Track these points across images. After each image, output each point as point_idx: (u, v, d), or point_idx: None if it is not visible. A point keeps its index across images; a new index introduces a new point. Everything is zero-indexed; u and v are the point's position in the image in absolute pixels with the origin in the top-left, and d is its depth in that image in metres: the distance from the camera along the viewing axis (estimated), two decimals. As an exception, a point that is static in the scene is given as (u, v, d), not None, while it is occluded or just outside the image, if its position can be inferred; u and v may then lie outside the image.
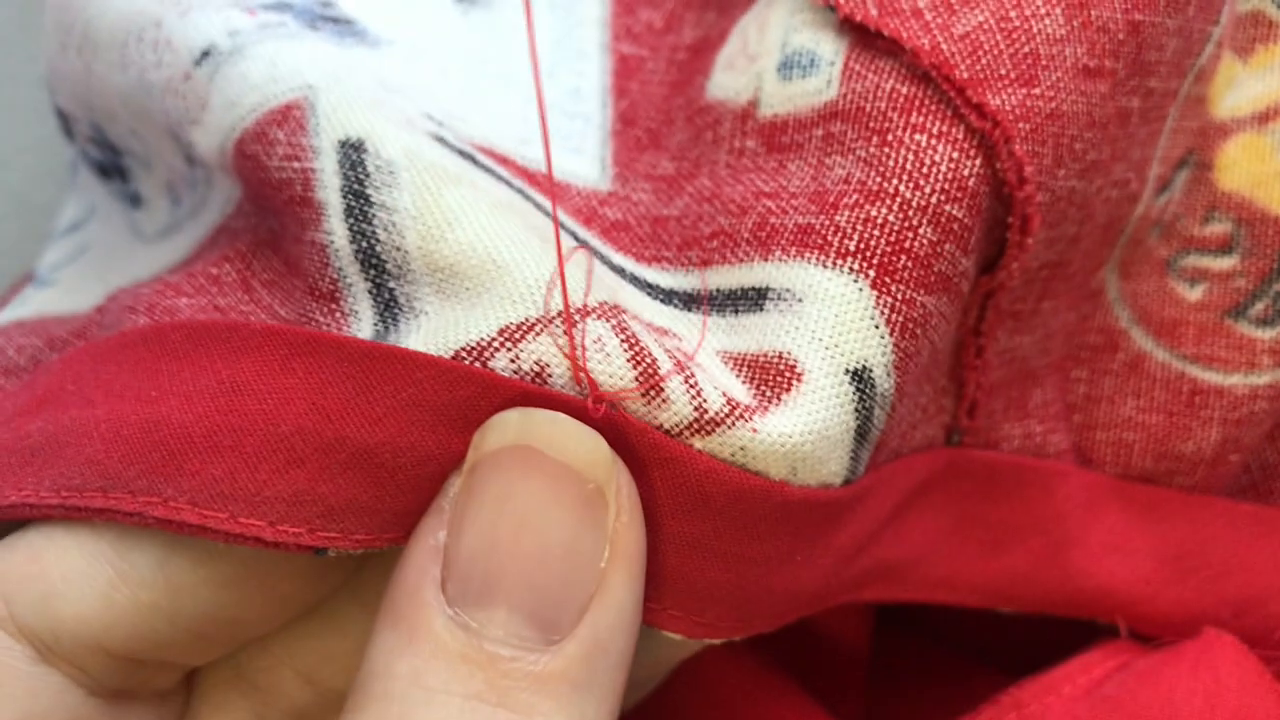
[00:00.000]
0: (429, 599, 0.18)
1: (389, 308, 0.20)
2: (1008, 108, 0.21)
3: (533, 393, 0.19)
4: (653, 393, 0.19)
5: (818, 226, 0.21)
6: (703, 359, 0.21)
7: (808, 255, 0.21)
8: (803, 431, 0.20)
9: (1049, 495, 0.25)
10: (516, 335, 0.19)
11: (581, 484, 0.18)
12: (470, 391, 0.19)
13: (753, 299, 0.21)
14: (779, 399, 0.20)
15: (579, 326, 0.20)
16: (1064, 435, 0.26)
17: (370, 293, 0.21)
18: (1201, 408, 0.26)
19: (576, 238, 0.23)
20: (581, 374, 0.19)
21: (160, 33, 0.23)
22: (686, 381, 0.20)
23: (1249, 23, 0.26)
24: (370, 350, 0.19)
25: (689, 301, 0.22)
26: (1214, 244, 0.26)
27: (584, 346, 0.19)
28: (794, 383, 0.20)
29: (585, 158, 0.25)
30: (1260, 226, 0.25)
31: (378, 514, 0.19)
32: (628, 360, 0.19)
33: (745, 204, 0.22)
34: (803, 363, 0.20)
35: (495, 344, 0.19)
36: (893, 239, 0.21)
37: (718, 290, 0.22)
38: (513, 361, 0.19)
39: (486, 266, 0.20)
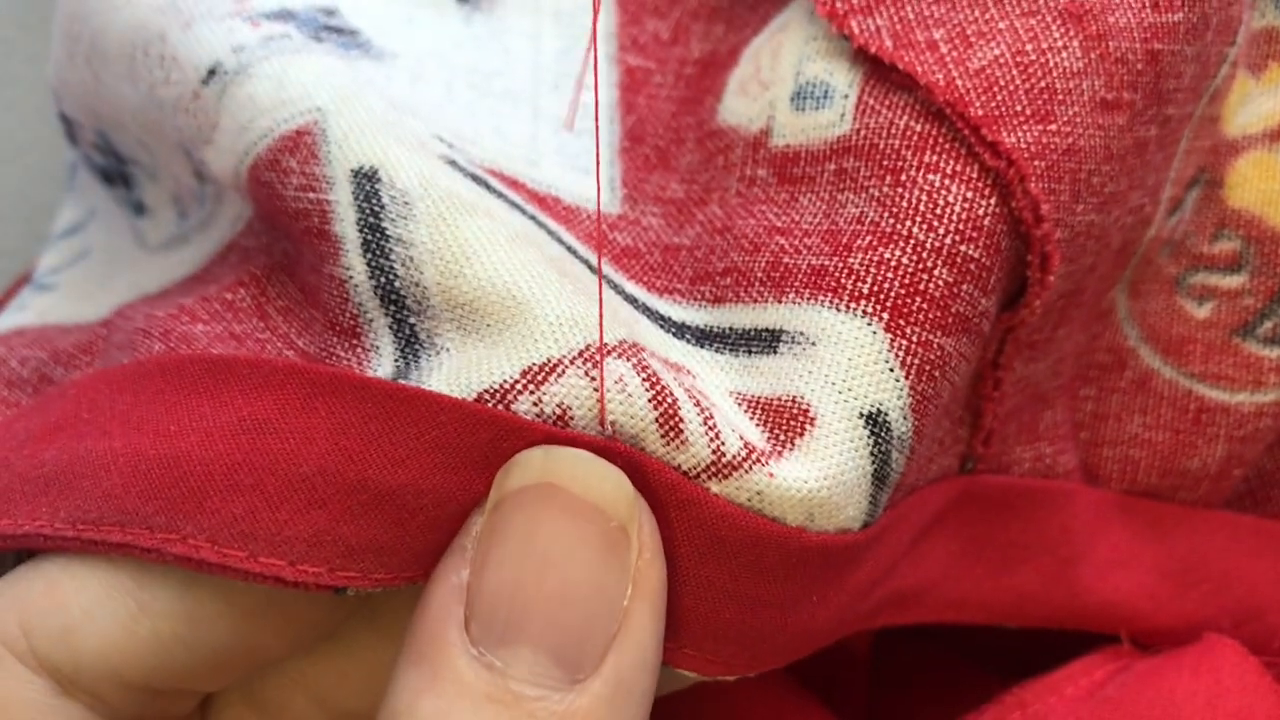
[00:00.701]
0: (453, 639, 0.18)
1: (410, 344, 0.20)
2: (1023, 145, 0.21)
3: (556, 435, 0.19)
4: (672, 434, 0.19)
5: (831, 269, 0.21)
6: (716, 399, 0.20)
7: (821, 298, 0.21)
8: (819, 478, 0.20)
9: (1056, 514, 0.25)
10: (539, 377, 0.19)
11: (605, 521, 0.18)
12: (492, 434, 0.19)
13: (766, 340, 0.21)
14: (792, 444, 0.20)
15: (598, 367, 0.19)
16: (1072, 454, 0.26)
17: (391, 328, 0.20)
18: (1208, 425, 0.26)
19: (590, 268, 0.22)
20: (605, 415, 0.19)
21: (165, 48, 0.23)
22: (706, 423, 0.20)
23: (1263, 39, 0.26)
24: (393, 391, 0.19)
25: (702, 338, 0.22)
26: (1223, 262, 0.26)
27: (603, 387, 0.19)
28: (807, 427, 0.20)
29: (593, 178, 0.25)
30: (1270, 245, 0.25)
31: (398, 554, 0.19)
32: (649, 400, 0.19)
33: (758, 240, 0.22)
34: (815, 407, 0.20)
35: (518, 386, 0.19)
36: (907, 281, 0.21)
37: (730, 329, 0.22)
38: (535, 404, 0.19)
39: (506, 303, 0.20)
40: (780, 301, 0.21)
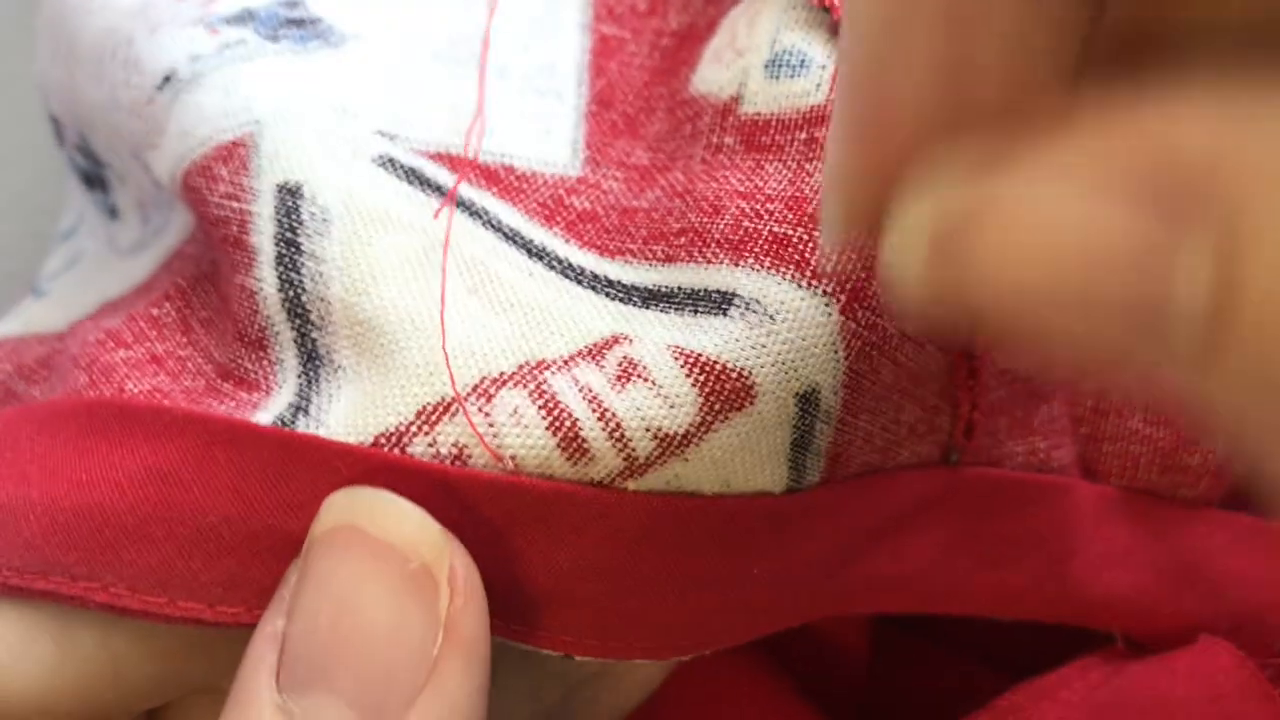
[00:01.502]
0: (261, 685, 0.18)
1: (311, 359, 0.21)
2: None
3: (452, 475, 0.19)
4: (578, 454, 0.19)
5: (795, 240, 0.21)
6: (649, 358, 0.20)
7: (783, 270, 0.20)
8: (733, 453, 0.20)
9: (1049, 509, 0.25)
10: (433, 418, 0.19)
11: (404, 562, 0.18)
12: (388, 479, 0.19)
13: (716, 302, 0.21)
14: (727, 418, 0.20)
15: (494, 399, 0.19)
16: (1069, 449, 0.25)
17: (295, 342, 0.21)
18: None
19: (530, 248, 0.22)
20: (493, 451, 0.19)
21: (131, 51, 0.23)
22: (612, 435, 0.19)
23: None
24: (288, 440, 0.19)
25: (648, 299, 0.21)
26: None
27: (484, 420, 0.19)
28: (746, 404, 0.20)
29: (555, 140, 0.24)
30: None
31: None
32: (547, 428, 0.19)
33: (719, 203, 0.22)
34: (760, 385, 0.20)
35: (413, 428, 0.19)
36: (867, 263, 0.20)
37: (679, 288, 0.21)
38: (431, 445, 0.19)
39: (405, 327, 0.20)
40: (736, 265, 0.21)
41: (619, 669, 0.25)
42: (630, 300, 0.21)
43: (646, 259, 0.22)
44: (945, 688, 0.30)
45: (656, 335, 0.20)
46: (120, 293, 0.25)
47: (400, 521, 0.18)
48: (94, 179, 0.28)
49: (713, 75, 0.24)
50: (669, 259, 0.22)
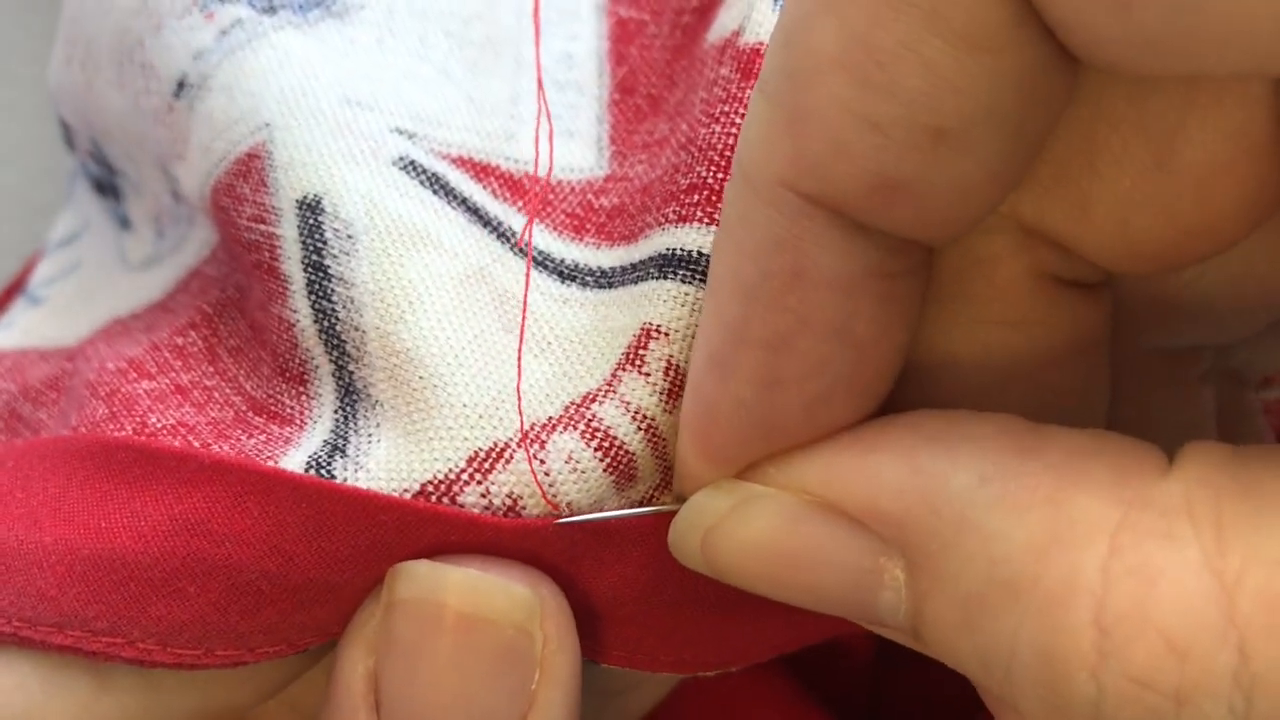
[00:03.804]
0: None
1: (349, 394, 0.20)
2: None
3: (504, 527, 0.19)
4: (625, 480, 0.19)
5: None
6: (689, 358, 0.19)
7: None
8: None
9: None
10: (485, 465, 0.19)
11: (499, 631, 0.18)
12: (438, 532, 0.18)
13: None
14: None
15: (547, 446, 0.19)
16: None
17: (334, 375, 0.20)
18: None
19: (563, 270, 0.21)
20: (551, 503, 0.19)
21: (144, 54, 0.22)
22: (655, 454, 0.19)
23: None
24: (326, 491, 0.18)
25: (663, 265, 0.20)
26: None
27: (540, 469, 0.19)
28: None
29: (579, 141, 0.23)
30: None
31: (349, 616, 0.19)
32: (604, 471, 0.19)
33: (727, 152, 0.20)
34: None
35: (464, 476, 0.19)
36: None
37: (697, 252, 0.20)
38: (484, 496, 0.19)
39: (448, 361, 0.19)
40: None
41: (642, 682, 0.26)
42: (648, 274, 0.20)
43: (660, 225, 0.21)
44: (950, 689, 0.30)
45: (689, 326, 0.19)
46: (132, 309, 0.24)
47: (491, 598, 0.18)
48: (106, 186, 0.27)
49: (722, 20, 0.23)
50: (682, 219, 0.20)
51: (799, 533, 0.16)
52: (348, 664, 0.19)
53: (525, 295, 0.20)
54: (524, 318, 0.20)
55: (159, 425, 0.20)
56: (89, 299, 0.26)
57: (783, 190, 0.15)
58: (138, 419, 0.21)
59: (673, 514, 0.19)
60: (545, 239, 0.22)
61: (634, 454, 0.19)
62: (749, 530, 0.17)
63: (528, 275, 0.21)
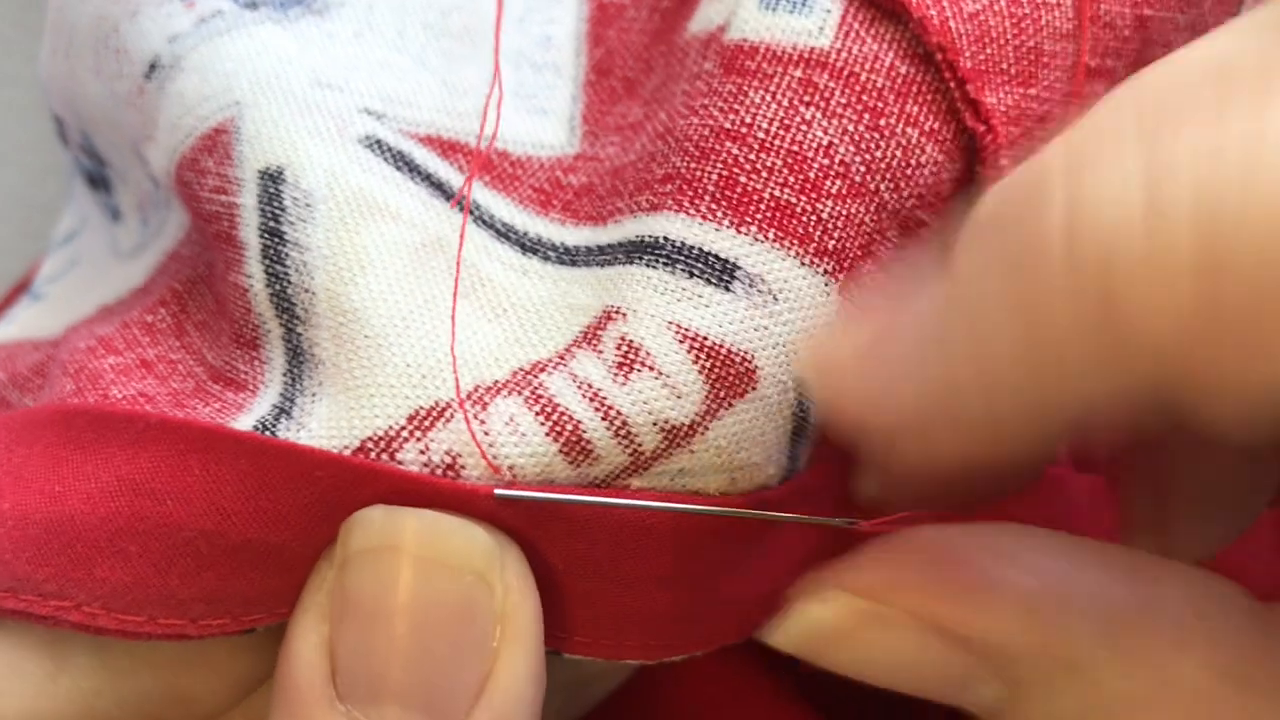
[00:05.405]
0: (319, 695, 0.18)
1: (296, 356, 0.20)
2: (1002, 108, 0.20)
3: (443, 488, 0.18)
4: (581, 456, 0.19)
5: (799, 210, 0.20)
6: (650, 340, 0.19)
7: (788, 244, 0.20)
8: (738, 442, 0.19)
9: (1045, 501, 0.25)
10: (426, 423, 0.19)
11: (458, 577, 0.18)
12: (375, 490, 0.18)
13: (717, 270, 0.19)
14: (731, 404, 0.19)
15: (488, 408, 0.19)
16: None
17: (283, 339, 0.20)
18: None
19: (524, 242, 0.21)
20: (490, 463, 0.18)
21: (118, 39, 0.23)
22: (617, 434, 0.19)
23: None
24: (266, 447, 0.18)
25: (632, 251, 0.20)
26: None
27: (479, 428, 0.19)
28: (749, 390, 0.19)
29: (551, 119, 0.23)
30: None
31: (296, 590, 0.19)
32: (546, 435, 0.18)
33: (704, 144, 0.20)
34: (762, 369, 0.19)
35: (405, 433, 0.18)
36: (864, 242, 0.20)
37: (665, 239, 0.20)
38: (423, 453, 0.18)
39: (395, 323, 0.19)
40: (739, 230, 0.20)
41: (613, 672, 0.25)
42: (615, 259, 0.20)
43: (632, 212, 0.21)
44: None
45: (652, 306, 0.19)
46: (118, 296, 0.25)
47: (449, 538, 0.18)
48: (98, 180, 0.27)
49: (705, 13, 0.23)
50: (654, 207, 0.20)
51: (910, 657, 0.18)
52: (299, 634, 0.18)
53: (460, 246, 0.20)
54: (458, 272, 0.20)
55: (120, 396, 0.21)
56: (83, 293, 0.26)
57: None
58: (100, 392, 0.21)
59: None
60: (509, 211, 0.22)
61: (582, 425, 0.19)
62: (863, 653, 0.18)
63: (463, 228, 0.21)
